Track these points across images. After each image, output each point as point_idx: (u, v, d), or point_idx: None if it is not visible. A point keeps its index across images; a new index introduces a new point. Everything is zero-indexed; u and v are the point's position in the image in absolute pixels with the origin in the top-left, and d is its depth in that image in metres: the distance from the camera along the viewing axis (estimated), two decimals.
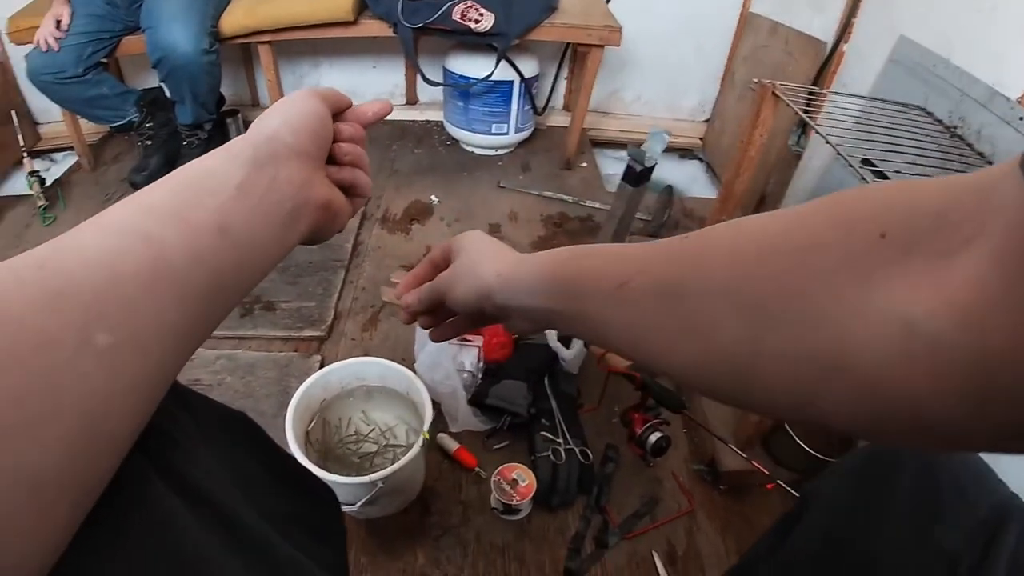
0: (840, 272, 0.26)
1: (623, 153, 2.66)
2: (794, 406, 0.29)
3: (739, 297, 0.30)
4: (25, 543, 0.22)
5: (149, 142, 2.11)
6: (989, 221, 0.23)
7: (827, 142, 1.14)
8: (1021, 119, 1.20)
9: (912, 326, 0.24)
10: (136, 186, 2.05)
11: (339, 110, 0.47)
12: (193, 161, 0.36)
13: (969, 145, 1.30)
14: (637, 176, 1.24)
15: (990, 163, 1.23)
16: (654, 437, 1.13)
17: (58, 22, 1.80)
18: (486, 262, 0.51)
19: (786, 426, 1.18)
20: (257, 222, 0.35)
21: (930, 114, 1.41)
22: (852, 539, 0.56)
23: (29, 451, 0.22)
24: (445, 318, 0.59)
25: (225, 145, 0.38)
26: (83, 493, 0.25)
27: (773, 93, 1.31)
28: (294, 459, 0.67)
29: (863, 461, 0.60)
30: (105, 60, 1.95)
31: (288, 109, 0.41)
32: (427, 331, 1.27)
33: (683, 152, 2.72)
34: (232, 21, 1.92)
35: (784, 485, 1.11)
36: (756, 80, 1.37)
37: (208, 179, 0.35)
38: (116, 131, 2.21)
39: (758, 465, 1.13)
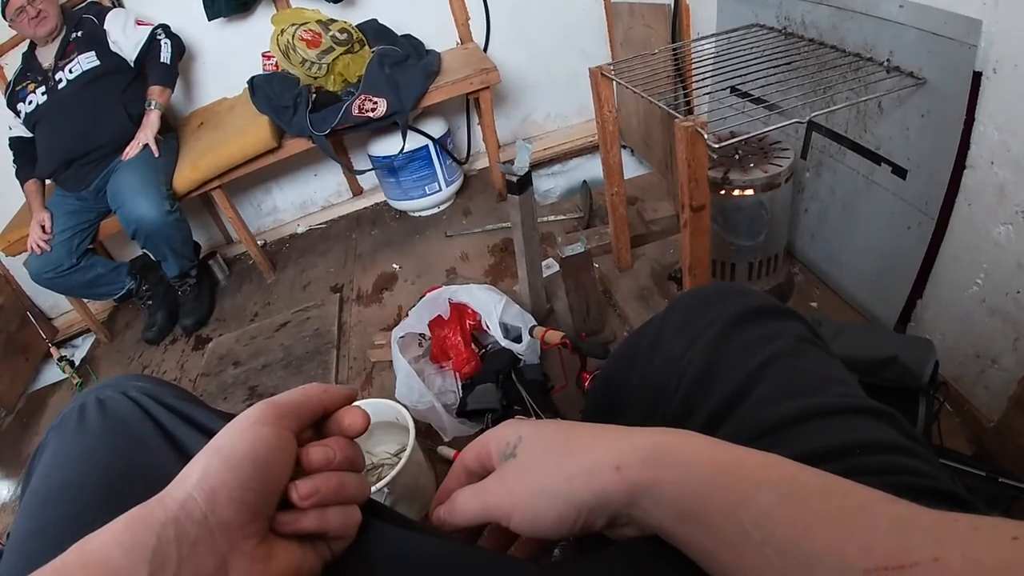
0: None
1: (557, 167, 2.91)
2: None
3: None
4: None
5: (150, 302, 2.45)
6: None
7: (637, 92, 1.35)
8: None
9: None
10: (151, 342, 2.39)
11: (314, 420, 0.41)
12: (89, 546, 0.31)
13: (800, 36, 1.46)
14: (517, 185, 1.49)
15: (822, 45, 1.38)
16: None
17: (43, 227, 2.15)
18: (578, 453, 0.39)
19: None
20: None
21: (763, 26, 1.60)
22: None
23: None
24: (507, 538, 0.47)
25: (133, 518, 0.32)
26: None
27: (602, 74, 1.55)
28: None
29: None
30: (91, 246, 2.31)
31: (215, 454, 0.35)
32: (403, 362, 1.46)
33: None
34: (183, 179, 2.24)
35: None
36: (592, 67, 1.58)
37: None
38: (119, 302, 2.59)
39: None
